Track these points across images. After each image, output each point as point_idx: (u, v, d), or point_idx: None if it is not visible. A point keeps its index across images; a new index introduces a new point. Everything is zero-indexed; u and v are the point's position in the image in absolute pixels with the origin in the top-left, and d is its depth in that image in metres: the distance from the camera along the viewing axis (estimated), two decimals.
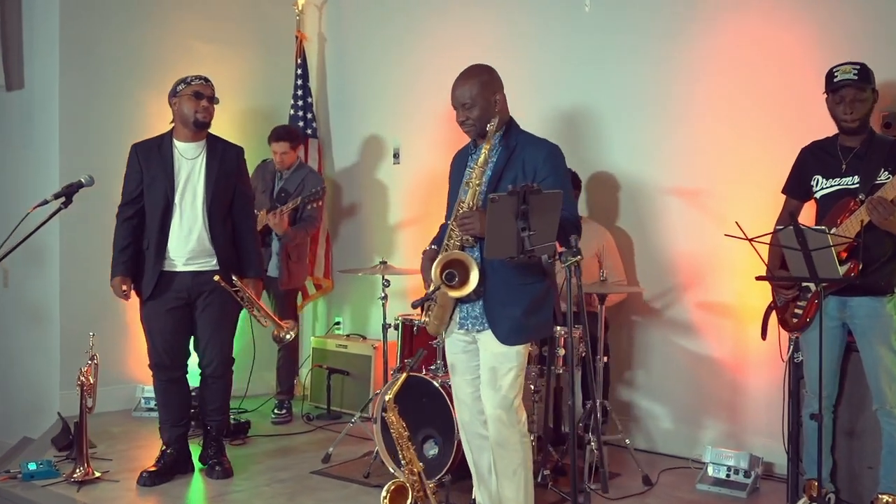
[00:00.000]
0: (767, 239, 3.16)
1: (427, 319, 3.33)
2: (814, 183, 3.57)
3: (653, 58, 4.80)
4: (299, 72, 6.16)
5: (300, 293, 6.21)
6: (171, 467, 4.20)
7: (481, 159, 3.12)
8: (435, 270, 3.09)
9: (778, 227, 3.19)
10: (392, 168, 6.03)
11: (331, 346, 5.75)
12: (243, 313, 4.30)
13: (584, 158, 5.02)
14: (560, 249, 2.76)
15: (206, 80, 4.13)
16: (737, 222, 3.22)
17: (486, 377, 3.23)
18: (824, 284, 3.26)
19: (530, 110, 5.19)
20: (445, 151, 4.74)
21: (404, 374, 3.06)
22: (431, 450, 4.04)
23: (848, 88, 3.41)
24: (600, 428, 4.15)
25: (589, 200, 5.06)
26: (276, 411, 5.49)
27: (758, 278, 3.34)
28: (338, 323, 6.32)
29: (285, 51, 6.30)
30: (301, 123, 6.10)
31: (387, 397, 3.02)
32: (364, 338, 5.85)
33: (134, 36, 5.66)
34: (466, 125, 3.25)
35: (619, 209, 4.97)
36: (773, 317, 3.72)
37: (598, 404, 4.17)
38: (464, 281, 3.11)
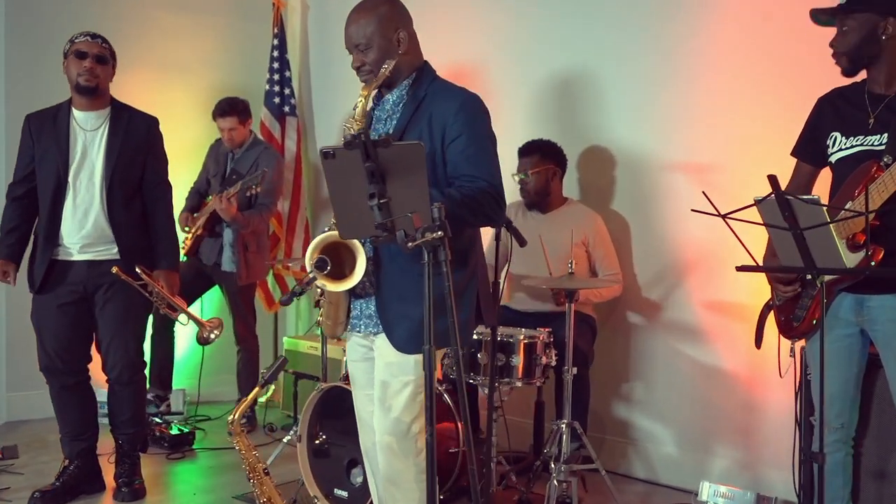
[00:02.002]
0: (744, 214, 2.34)
1: (320, 318, 2.69)
2: (830, 142, 2.71)
3: (656, 12, 3.98)
4: (276, 42, 5.54)
5: (278, 288, 5.62)
6: (73, 486, 3.63)
7: (358, 111, 2.42)
8: (309, 256, 2.41)
9: (756, 199, 2.36)
10: None
11: (303, 347, 5.10)
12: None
13: (578, 130, 4.24)
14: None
15: (94, 36, 3.55)
16: (704, 192, 2.41)
17: (377, 394, 2.54)
18: (828, 278, 2.43)
19: (522, 76, 4.48)
20: None
21: (256, 389, 2.37)
22: (358, 476, 3.35)
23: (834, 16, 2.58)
24: (567, 453, 3.38)
25: (582, 180, 4.27)
26: None
27: (739, 269, 2.52)
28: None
29: (261, 19, 5.69)
30: (277, 100, 5.48)
31: (229, 419, 2.34)
32: (341, 339, 5.18)
33: (89, 3, 5.14)
34: (363, 72, 2.55)
35: (615, 189, 4.16)
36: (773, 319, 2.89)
37: (565, 426, 3.40)
38: (352, 269, 2.43)
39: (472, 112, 2.47)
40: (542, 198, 3.96)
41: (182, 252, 4.93)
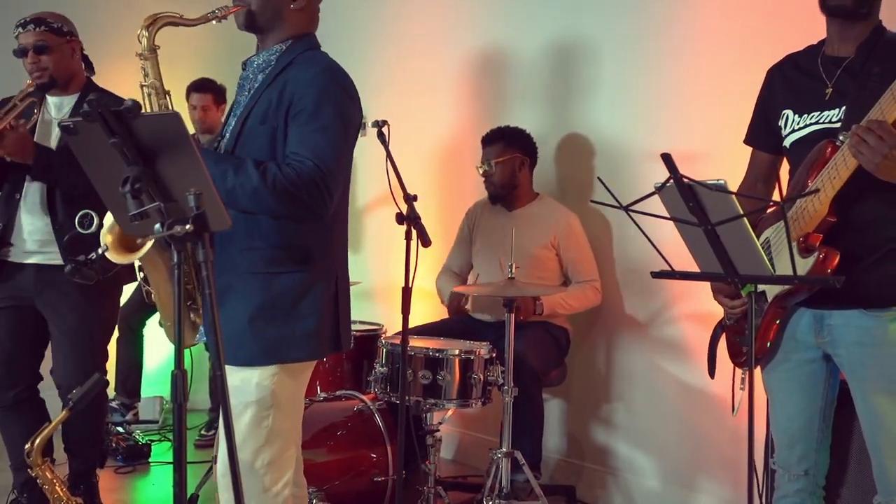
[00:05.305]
0: (650, 205, 1.85)
1: (161, 321, 2.35)
2: (782, 123, 2.18)
3: None
4: None
5: None
6: None
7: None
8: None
9: (656, 185, 1.86)
10: (359, 140, 4.96)
11: None
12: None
13: (555, 116, 3.75)
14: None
15: (27, 23, 3.06)
16: (599, 178, 1.95)
17: (221, 419, 2.15)
18: (777, 289, 1.92)
19: (492, 60, 4.03)
20: (427, 121, 4.27)
21: (65, 412, 2.02)
22: None
23: None
24: (507, 488, 2.92)
25: (559, 173, 3.78)
26: (202, 432, 4.57)
27: (654, 275, 2.03)
28: None
29: None
30: None
31: (27, 447, 2.00)
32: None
33: None
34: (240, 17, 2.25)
35: (595, 183, 3.65)
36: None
37: (503, 455, 2.93)
38: None
39: (324, 84, 2.08)
40: (508, 191, 3.50)
41: None
